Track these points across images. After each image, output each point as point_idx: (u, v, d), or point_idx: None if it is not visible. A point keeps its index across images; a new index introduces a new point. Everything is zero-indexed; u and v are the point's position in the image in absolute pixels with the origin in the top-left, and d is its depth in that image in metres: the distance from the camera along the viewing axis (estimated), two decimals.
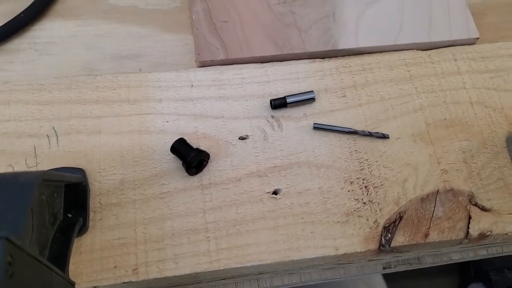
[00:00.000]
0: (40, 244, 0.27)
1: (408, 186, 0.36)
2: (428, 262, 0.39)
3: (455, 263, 0.67)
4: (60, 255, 0.28)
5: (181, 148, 0.34)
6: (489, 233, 0.35)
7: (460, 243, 0.35)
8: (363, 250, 0.33)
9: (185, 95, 0.37)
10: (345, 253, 0.33)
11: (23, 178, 0.23)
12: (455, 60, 0.41)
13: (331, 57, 0.40)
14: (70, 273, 0.30)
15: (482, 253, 0.40)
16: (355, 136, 0.37)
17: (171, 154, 0.35)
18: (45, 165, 0.34)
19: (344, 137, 0.37)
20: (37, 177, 0.23)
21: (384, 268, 0.38)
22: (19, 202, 0.22)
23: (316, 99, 0.38)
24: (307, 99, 0.37)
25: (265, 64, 0.39)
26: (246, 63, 0.39)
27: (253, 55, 0.39)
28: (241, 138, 0.36)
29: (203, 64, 0.39)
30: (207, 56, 0.38)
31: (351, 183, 0.35)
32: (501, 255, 0.41)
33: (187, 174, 0.35)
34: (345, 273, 0.37)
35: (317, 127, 0.37)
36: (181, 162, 0.34)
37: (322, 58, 0.40)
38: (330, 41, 0.39)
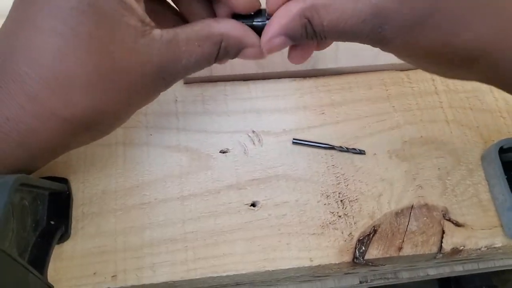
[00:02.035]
0: (19, 247, 0.28)
1: (383, 200, 0.37)
2: (405, 277, 0.40)
3: (437, 282, 0.68)
4: (39, 259, 0.29)
5: None
6: (462, 247, 0.35)
7: (435, 257, 0.36)
8: (337, 262, 0.34)
9: (169, 110, 0.39)
10: (319, 265, 0.34)
11: (1, 181, 0.24)
12: (433, 80, 0.42)
13: (311, 76, 0.41)
14: (50, 279, 0.30)
15: (458, 269, 0.40)
16: (332, 152, 0.38)
17: (153, 166, 0.36)
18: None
19: (322, 152, 0.38)
20: (14, 180, 0.24)
21: (360, 282, 0.39)
22: None
23: (296, 116, 0.39)
24: None
25: (247, 82, 0.41)
26: (230, 80, 0.41)
27: (236, 73, 0.40)
28: (222, 152, 0.38)
29: (187, 81, 0.40)
30: None
31: (327, 196, 0.36)
32: (478, 272, 0.42)
33: (168, 185, 0.36)
34: (322, 286, 0.38)
35: (296, 142, 0.38)
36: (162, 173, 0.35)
37: (303, 77, 0.41)
38: (310, 61, 0.41)
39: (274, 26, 0.29)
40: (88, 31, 0.25)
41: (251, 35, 0.30)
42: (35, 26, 0.25)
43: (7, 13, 0.27)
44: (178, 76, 0.30)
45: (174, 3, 0.33)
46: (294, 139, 0.38)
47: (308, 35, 0.28)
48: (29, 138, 0.27)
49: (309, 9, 0.27)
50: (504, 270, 0.67)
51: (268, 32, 0.29)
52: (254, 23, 0.31)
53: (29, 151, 0.28)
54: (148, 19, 0.27)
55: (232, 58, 0.31)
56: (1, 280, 0.22)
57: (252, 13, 0.31)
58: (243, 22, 0.30)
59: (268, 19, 0.30)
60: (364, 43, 0.28)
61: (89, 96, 0.26)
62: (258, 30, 0.31)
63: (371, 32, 0.27)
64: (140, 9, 0.27)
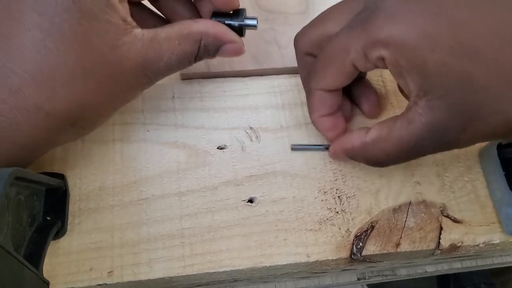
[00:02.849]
0: (15, 241, 0.28)
1: (381, 196, 0.36)
2: (403, 274, 0.40)
3: (436, 280, 0.68)
4: (35, 254, 0.29)
5: None
6: (460, 244, 0.35)
7: (433, 254, 0.36)
8: (334, 258, 0.34)
9: (166, 106, 0.39)
10: (316, 260, 0.34)
11: None
12: None
13: None
14: (46, 274, 0.30)
15: (456, 266, 0.40)
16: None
17: (151, 162, 0.36)
18: None
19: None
20: (10, 173, 0.24)
21: (358, 279, 0.39)
22: None
23: (294, 112, 0.39)
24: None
25: (245, 78, 0.41)
26: (228, 76, 0.41)
27: (234, 69, 0.40)
28: (220, 148, 0.38)
29: (185, 77, 0.40)
30: (190, 69, 0.40)
31: (325, 192, 0.36)
32: (477, 270, 0.42)
33: (165, 181, 0.36)
34: (319, 282, 0.38)
35: (295, 148, 0.38)
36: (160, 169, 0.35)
37: None
38: None
39: (338, 149, 0.35)
40: (72, 27, 0.26)
41: (229, 32, 0.33)
42: (19, 23, 0.26)
43: None
44: (160, 74, 0.31)
45: (156, 7, 0.35)
46: (292, 145, 0.38)
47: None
48: (12, 132, 0.27)
49: (368, 145, 0.32)
50: (504, 271, 0.67)
51: (334, 150, 0.35)
52: (231, 22, 0.33)
53: (16, 146, 0.28)
54: (130, 19, 0.28)
55: (212, 57, 0.33)
56: None
57: (231, 12, 0.33)
58: (222, 22, 0.33)
59: None
60: (437, 152, 0.31)
61: (71, 90, 0.27)
62: (237, 29, 0.33)
63: (437, 144, 0.29)
64: (122, 8, 0.28)
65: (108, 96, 0.29)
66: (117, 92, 0.29)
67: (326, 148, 0.37)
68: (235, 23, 0.33)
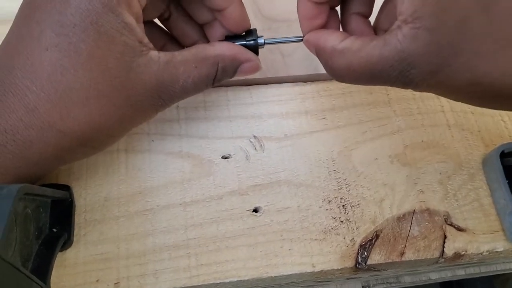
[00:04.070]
0: (23, 255, 0.28)
1: (385, 205, 0.37)
2: (407, 281, 0.40)
3: (438, 286, 0.68)
4: (42, 267, 0.29)
5: None
6: (464, 252, 0.35)
7: (437, 262, 0.36)
8: (339, 268, 0.34)
9: (171, 116, 0.39)
10: (322, 270, 0.34)
11: (5, 190, 0.24)
12: None
13: (313, 81, 0.41)
14: (53, 286, 0.31)
15: (460, 273, 0.40)
16: (334, 157, 0.38)
17: (155, 172, 0.36)
18: None
19: (324, 158, 0.38)
20: (18, 190, 0.24)
21: (363, 287, 0.39)
22: (0, 212, 0.24)
23: (297, 121, 0.39)
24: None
25: (249, 87, 0.41)
26: (231, 85, 0.41)
27: (238, 78, 0.40)
28: (224, 158, 0.38)
29: None
30: None
31: (329, 202, 0.36)
32: (480, 276, 0.42)
33: (170, 191, 0.36)
34: None
35: (268, 43, 0.34)
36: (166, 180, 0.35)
37: (304, 82, 0.41)
38: (312, 66, 0.41)
39: (311, 39, 0.32)
40: (89, 48, 0.26)
41: (244, 52, 0.33)
42: (38, 42, 0.26)
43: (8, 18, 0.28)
44: (175, 97, 0.31)
45: (166, 27, 0.36)
46: (265, 40, 0.34)
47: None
48: (26, 149, 0.28)
49: (337, 52, 0.30)
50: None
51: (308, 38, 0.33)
52: (246, 42, 0.33)
53: (27, 163, 0.28)
54: (146, 40, 0.28)
55: (231, 77, 0.33)
56: None
57: (244, 33, 0.34)
58: (236, 43, 0.33)
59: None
60: (394, 86, 0.29)
61: (86, 111, 0.27)
62: (252, 49, 0.33)
63: (399, 76, 0.27)
64: (139, 29, 0.28)
65: (121, 119, 0.29)
66: (130, 114, 0.29)
67: (299, 40, 0.34)
68: (250, 42, 0.33)
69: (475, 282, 0.61)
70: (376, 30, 0.33)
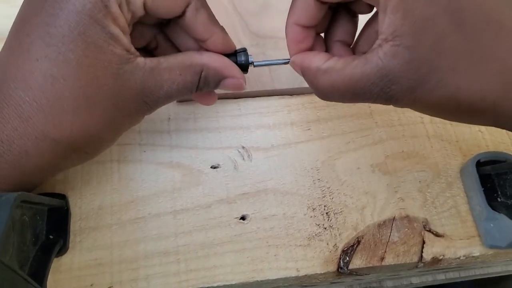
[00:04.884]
0: (20, 260, 0.29)
1: (367, 212, 0.38)
2: (389, 286, 0.42)
3: None
4: (39, 272, 0.31)
5: None
6: (441, 257, 0.37)
7: (416, 266, 0.38)
8: (322, 272, 0.36)
9: (162, 127, 0.41)
10: (306, 275, 0.36)
11: (3, 198, 0.26)
12: None
13: (299, 94, 0.43)
14: None
15: (440, 278, 0.42)
16: (318, 166, 0.40)
17: (147, 182, 0.38)
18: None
19: (308, 167, 0.40)
20: (15, 197, 0.26)
21: None
22: None
23: (283, 132, 0.41)
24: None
25: (238, 100, 0.43)
26: (220, 98, 0.43)
27: (226, 92, 0.42)
28: (213, 167, 0.40)
29: (181, 100, 0.42)
30: None
31: (314, 209, 0.38)
32: (461, 281, 0.43)
33: (161, 200, 0.38)
34: None
35: (258, 65, 0.36)
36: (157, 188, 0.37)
37: (290, 95, 0.43)
38: (298, 80, 0.43)
39: (297, 61, 0.34)
40: (77, 57, 0.28)
41: (231, 67, 0.33)
42: (28, 53, 0.28)
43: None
44: (160, 101, 0.32)
45: (168, 34, 0.36)
46: (255, 62, 0.35)
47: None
48: (21, 159, 0.29)
49: (321, 72, 0.31)
50: (489, 282, 0.68)
51: (294, 60, 0.34)
52: (237, 60, 0.34)
53: (23, 172, 0.30)
54: (133, 49, 0.30)
55: (213, 89, 0.34)
56: None
57: (236, 51, 0.35)
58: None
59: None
60: (376, 103, 0.30)
61: (76, 118, 0.29)
62: (242, 66, 0.34)
63: (381, 92, 0.29)
64: (125, 39, 0.29)
65: (111, 123, 0.30)
66: (119, 119, 0.31)
67: (286, 62, 0.36)
68: (241, 61, 0.34)
69: (456, 286, 0.62)
70: (355, 53, 0.35)
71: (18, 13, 0.30)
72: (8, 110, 0.28)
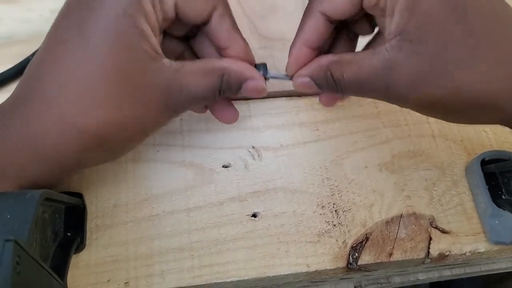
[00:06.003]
0: (42, 256, 0.30)
1: (374, 210, 0.39)
2: (397, 282, 0.42)
3: (428, 287, 0.70)
4: (59, 267, 0.32)
5: None
6: (448, 253, 0.38)
7: (423, 262, 0.39)
8: (332, 268, 0.37)
9: (175, 128, 0.42)
10: (316, 270, 0.37)
11: (29, 195, 0.27)
12: None
13: (306, 95, 0.44)
14: (68, 285, 0.33)
15: (446, 274, 0.43)
16: (327, 165, 0.41)
17: (161, 180, 0.39)
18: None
19: (317, 166, 0.41)
20: (41, 194, 0.27)
21: (355, 287, 0.42)
22: (25, 215, 0.26)
23: (292, 132, 0.42)
24: None
25: (248, 101, 0.44)
26: (232, 100, 0.43)
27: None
28: (225, 166, 0.41)
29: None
30: None
31: (323, 207, 0.39)
32: (467, 277, 0.44)
33: (175, 198, 0.39)
34: None
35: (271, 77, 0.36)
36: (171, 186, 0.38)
37: (299, 96, 0.44)
38: None
39: (304, 70, 0.33)
40: (110, 52, 0.29)
41: (251, 70, 0.34)
42: (64, 45, 0.29)
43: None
44: (184, 104, 0.32)
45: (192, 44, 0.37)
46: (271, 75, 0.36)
47: (329, 85, 0.33)
48: (49, 153, 0.29)
49: (334, 63, 0.32)
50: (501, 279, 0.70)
51: (299, 72, 0.34)
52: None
53: (48, 167, 0.30)
54: (160, 50, 0.31)
55: (235, 93, 0.34)
56: (30, 285, 0.25)
57: (255, 65, 0.35)
58: None
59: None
60: (380, 98, 0.31)
61: (104, 110, 0.29)
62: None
63: (384, 86, 0.30)
64: (155, 39, 0.30)
65: (137, 121, 0.31)
66: (144, 118, 0.31)
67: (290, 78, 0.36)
68: (261, 73, 0.34)
69: (462, 283, 0.63)
70: None
71: (61, 9, 0.31)
72: (40, 104, 0.29)
